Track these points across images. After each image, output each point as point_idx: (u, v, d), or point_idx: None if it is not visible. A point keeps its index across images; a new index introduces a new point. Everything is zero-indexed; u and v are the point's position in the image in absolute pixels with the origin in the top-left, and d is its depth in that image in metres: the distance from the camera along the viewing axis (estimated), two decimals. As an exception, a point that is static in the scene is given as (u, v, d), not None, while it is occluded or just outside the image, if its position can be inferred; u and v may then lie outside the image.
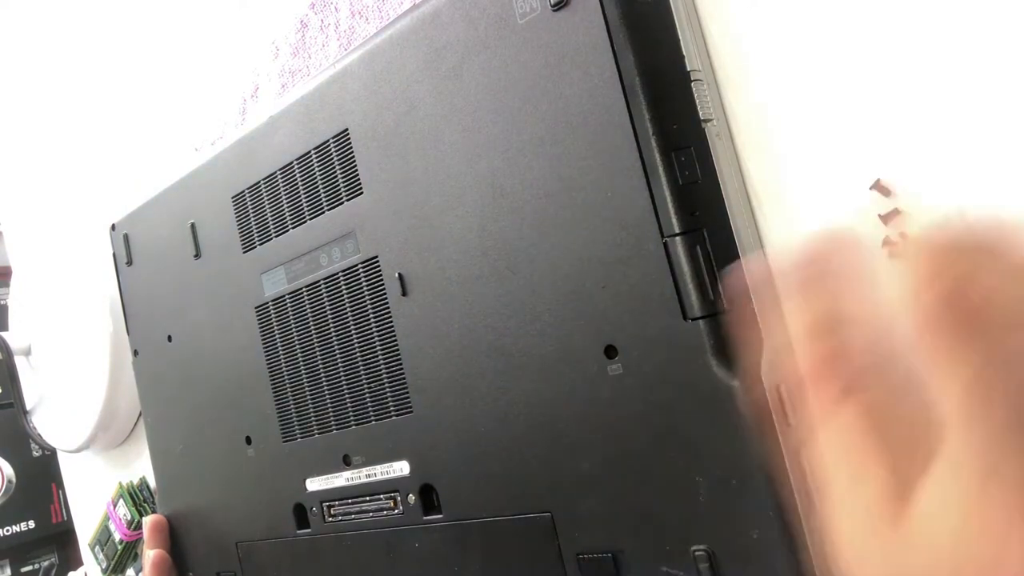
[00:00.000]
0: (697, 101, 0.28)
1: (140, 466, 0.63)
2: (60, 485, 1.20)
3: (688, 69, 0.28)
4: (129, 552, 0.62)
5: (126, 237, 0.53)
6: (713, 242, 0.27)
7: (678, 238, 0.27)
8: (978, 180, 0.24)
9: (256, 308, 0.44)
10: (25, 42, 0.80)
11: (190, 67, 0.58)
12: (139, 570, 0.59)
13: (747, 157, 0.29)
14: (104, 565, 0.64)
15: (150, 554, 0.51)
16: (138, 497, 0.61)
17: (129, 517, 0.61)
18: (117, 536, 0.62)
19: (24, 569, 1.23)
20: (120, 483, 0.63)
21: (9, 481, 1.21)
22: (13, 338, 0.70)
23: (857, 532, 0.18)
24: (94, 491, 0.70)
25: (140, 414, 0.60)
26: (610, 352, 0.29)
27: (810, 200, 0.28)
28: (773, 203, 0.29)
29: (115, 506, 0.63)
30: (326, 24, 0.48)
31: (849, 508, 0.18)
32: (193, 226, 0.48)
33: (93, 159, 0.69)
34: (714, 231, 0.27)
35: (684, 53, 0.28)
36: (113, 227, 0.54)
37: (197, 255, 0.47)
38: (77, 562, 1.10)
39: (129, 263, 0.53)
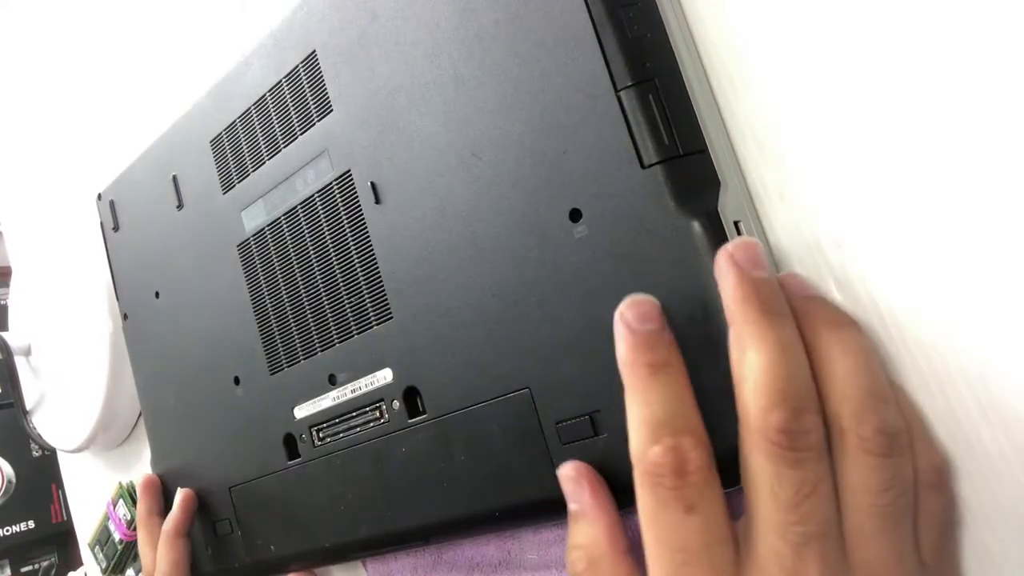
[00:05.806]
0: None
1: (140, 466, 0.64)
2: (60, 485, 1.20)
3: None
4: (129, 552, 0.62)
5: (112, 204, 0.53)
6: (665, 91, 0.28)
7: (631, 89, 0.28)
8: (973, 176, 0.24)
9: (238, 246, 0.44)
10: (25, 42, 0.80)
11: (191, 70, 0.58)
12: (139, 570, 0.59)
13: (747, 157, 0.29)
14: (104, 565, 0.64)
15: (181, 492, 0.48)
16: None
17: (129, 517, 0.61)
18: (117, 536, 0.62)
19: (24, 569, 1.23)
20: (120, 483, 0.63)
21: (9, 481, 1.21)
22: (13, 338, 0.71)
23: None
24: (94, 491, 0.70)
25: (140, 414, 0.60)
26: (575, 216, 0.29)
27: (811, 197, 0.28)
28: (774, 202, 0.29)
29: (115, 506, 0.63)
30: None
31: None
32: (175, 178, 0.48)
33: (93, 159, 0.69)
34: (666, 80, 0.28)
35: None
36: (99, 196, 0.54)
37: (180, 206, 0.47)
38: (77, 562, 1.10)
39: (116, 228, 0.53)
